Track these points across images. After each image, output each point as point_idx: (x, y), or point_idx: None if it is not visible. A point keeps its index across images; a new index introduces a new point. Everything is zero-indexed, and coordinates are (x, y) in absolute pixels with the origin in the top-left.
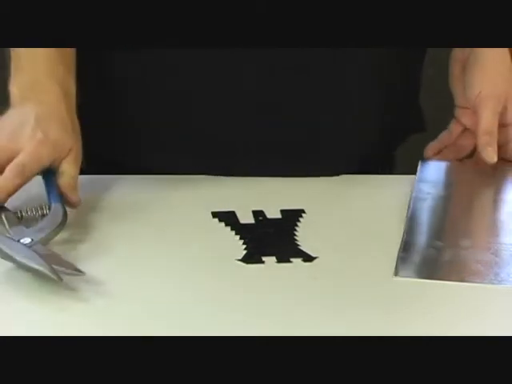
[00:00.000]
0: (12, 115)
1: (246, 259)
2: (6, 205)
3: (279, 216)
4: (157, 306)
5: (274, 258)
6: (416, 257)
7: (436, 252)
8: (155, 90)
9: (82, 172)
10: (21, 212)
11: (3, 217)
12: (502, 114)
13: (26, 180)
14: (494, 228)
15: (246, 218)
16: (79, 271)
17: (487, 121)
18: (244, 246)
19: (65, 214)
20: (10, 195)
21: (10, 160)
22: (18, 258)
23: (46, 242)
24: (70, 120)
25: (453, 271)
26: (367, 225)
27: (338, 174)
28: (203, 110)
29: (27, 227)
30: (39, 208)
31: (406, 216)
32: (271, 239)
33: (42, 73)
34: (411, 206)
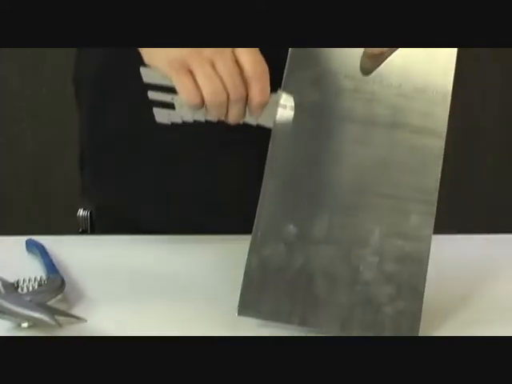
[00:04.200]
0: None
1: None
2: (1, 275)
3: None
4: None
5: None
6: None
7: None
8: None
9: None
10: (17, 282)
11: (0, 285)
12: None
13: None
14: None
15: None
16: (80, 318)
17: None
18: None
19: (63, 282)
20: None
21: None
22: (16, 308)
23: (43, 302)
24: None
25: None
26: None
27: None
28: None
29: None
30: (35, 279)
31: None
32: None
33: None
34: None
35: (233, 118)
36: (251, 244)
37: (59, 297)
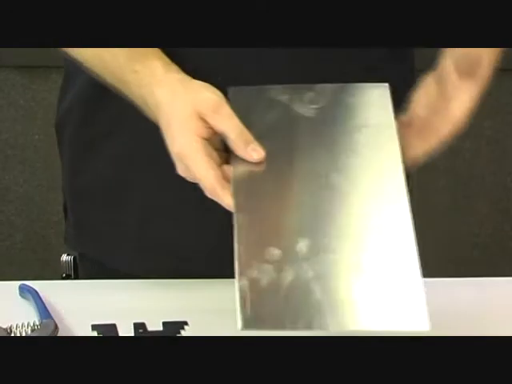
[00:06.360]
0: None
1: None
2: None
3: None
4: None
5: None
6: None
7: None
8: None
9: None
10: (10, 328)
11: None
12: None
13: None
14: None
15: None
16: None
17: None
18: None
19: (56, 326)
20: None
21: None
22: None
23: None
24: None
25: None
26: None
27: None
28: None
29: None
30: (28, 324)
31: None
32: None
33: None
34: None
35: None
36: (237, 269)
37: None
